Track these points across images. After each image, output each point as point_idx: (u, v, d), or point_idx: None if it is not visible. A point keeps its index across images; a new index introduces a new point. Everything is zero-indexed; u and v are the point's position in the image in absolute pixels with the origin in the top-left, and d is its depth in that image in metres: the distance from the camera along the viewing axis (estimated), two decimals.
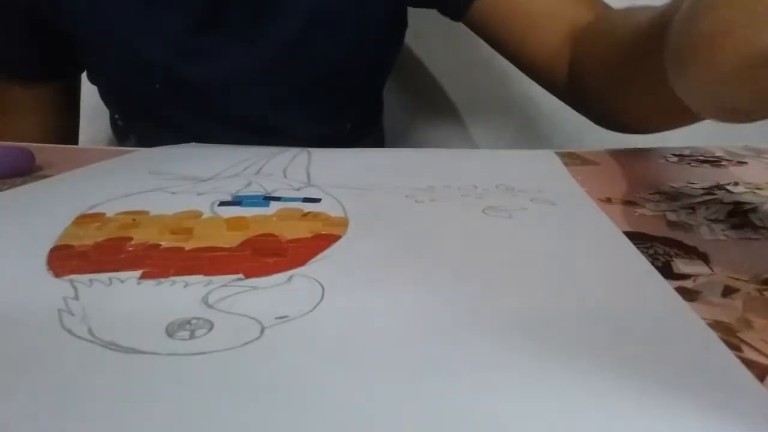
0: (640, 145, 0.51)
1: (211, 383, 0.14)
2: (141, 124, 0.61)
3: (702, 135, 0.85)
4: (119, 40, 0.54)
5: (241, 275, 0.21)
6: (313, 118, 0.58)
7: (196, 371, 0.15)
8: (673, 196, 0.33)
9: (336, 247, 0.24)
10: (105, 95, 0.61)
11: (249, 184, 0.34)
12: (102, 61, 0.56)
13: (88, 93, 0.66)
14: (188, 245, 0.24)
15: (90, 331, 0.17)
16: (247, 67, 0.53)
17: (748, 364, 0.15)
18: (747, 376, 0.15)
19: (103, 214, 0.28)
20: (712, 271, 0.22)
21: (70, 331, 0.17)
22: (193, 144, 0.52)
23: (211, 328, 0.17)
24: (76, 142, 0.66)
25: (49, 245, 0.23)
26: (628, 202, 0.32)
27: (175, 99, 0.56)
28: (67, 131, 0.63)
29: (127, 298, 0.19)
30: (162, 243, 0.24)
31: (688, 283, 0.21)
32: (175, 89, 0.56)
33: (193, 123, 0.57)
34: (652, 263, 0.22)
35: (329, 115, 0.59)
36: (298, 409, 0.13)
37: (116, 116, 0.62)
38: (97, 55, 0.56)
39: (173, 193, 0.32)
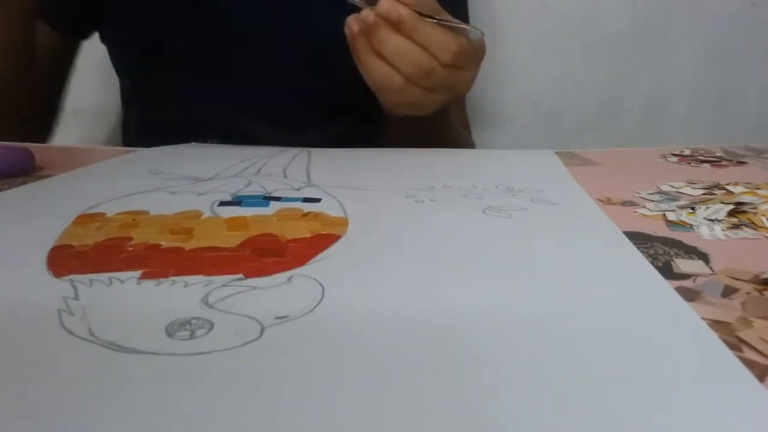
0: (640, 146, 0.51)
1: (211, 383, 0.14)
2: (147, 91, 0.61)
3: (702, 135, 0.85)
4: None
5: (241, 275, 0.21)
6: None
7: (196, 371, 0.15)
8: (673, 196, 0.33)
9: (336, 247, 0.24)
10: (117, 59, 0.61)
11: (249, 184, 0.34)
12: (119, 18, 0.57)
13: (89, 93, 0.66)
14: (188, 245, 0.24)
15: (90, 331, 0.17)
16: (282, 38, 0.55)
17: (748, 364, 0.15)
18: (747, 376, 0.15)
19: (103, 214, 0.28)
20: (712, 271, 0.22)
21: (70, 331, 0.17)
22: (193, 144, 0.52)
23: (211, 328, 0.17)
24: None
25: (49, 245, 0.23)
26: (628, 202, 0.32)
27: (189, 69, 0.57)
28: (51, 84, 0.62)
29: (127, 298, 0.19)
30: (162, 243, 0.24)
31: (688, 283, 0.21)
32: (189, 56, 0.56)
33: (202, 98, 0.58)
34: (652, 263, 0.22)
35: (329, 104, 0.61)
36: (298, 409, 0.13)
37: (126, 82, 0.63)
38: (122, 16, 0.57)
39: (173, 193, 0.32)
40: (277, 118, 0.58)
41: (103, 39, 0.61)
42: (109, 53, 0.61)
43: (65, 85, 0.64)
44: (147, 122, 0.61)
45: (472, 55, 0.47)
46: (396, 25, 0.43)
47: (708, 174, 0.40)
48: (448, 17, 0.46)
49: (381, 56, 0.44)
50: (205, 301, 0.19)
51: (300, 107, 0.59)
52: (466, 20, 0.69)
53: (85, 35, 0.61)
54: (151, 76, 0.59)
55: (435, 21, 0.44)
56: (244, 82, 0.57)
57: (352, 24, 0.44)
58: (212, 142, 0.53)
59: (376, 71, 0.45)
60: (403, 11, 0.42)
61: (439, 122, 0.54)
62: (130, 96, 0.63)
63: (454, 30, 0.45)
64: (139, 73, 0.61)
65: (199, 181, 0.35)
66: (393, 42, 0.43)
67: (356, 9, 0.45)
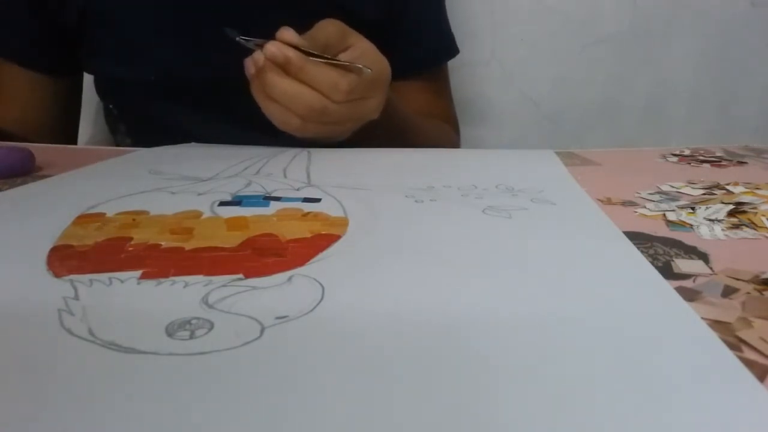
0: (640, 146, 0.51)
1: (211, 383, 0.14)
2: (135, 116, 0.61)
3: (702, 135, 0.85)
4: (127, 38, 0.55)
5: (241, 275, 0.21)
6: None
7: (196, 371, 0.15)
8: (673, 196, 0.33)
9: (336, 247, 0.24)
10: (101, 86, 0.61)
11: (249, 184, 0.34)
12: (104, 55, 0.57)
13: (89, 94, 0.66)
14: (188, 245, 0.24)
15: (90, 331, 0.17)
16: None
17: (748, 364, 0.15)
18: (747, 376, 0.15)
19: (103, 214, 0.28)
20: (712, 271, 0.22)
21: (70, 331, 0.17)
22: (193, 144, 0.52)
23: (211, 328, 0.17)
24: (71, 143, 0.65)
25: (49, 245, 0.23)
26: (628, 202, 0.32)
27: (176, 95, 0.57)
28: (61, 130, 0.62)
29: (127, 298, 0.19)
30: (162, 243, 0.24)
31: (688, 283, 0.21)
32: (177, 86, 0.56)
33: (193, 120, 0.58)
34: (652, 263, 0.22)
35: None
36: (298, 409, 0.13)
37: (110, 106, 0.63)
38: (99, 49, 0.57)
39: (173, 193, 0.32)
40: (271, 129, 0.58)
41: (87, 70, 0.61)
42: (94, 80, 0.62)
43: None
44: (136, 141, 0.62)
45: (369, 86, 0.46)
46: (284, 67, 0.43)
47: (708, 174, 0.40)
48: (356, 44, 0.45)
49: (273, 99, 0.44)
50: (205, 301, 0.19)
51: None
52: (440, 19, 0.69)
53: (66, 74, 0.61)
54: (134, 101, 0.59)
55: (324, 60, 0.43)
56: (232, 98, 0.57)
57: (249, 66, 0.44)
58: None
59: (271, 113, 0.45)
60: (290, 53, 0.42)
61: (392, 126, 0.54)
62: (114, 119, 0.64)
63: (344, 67, 0.44)
64: (123, 98, 0.61)
65: (199, 181, 0.35)
66: (281, 85, 0.43)
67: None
